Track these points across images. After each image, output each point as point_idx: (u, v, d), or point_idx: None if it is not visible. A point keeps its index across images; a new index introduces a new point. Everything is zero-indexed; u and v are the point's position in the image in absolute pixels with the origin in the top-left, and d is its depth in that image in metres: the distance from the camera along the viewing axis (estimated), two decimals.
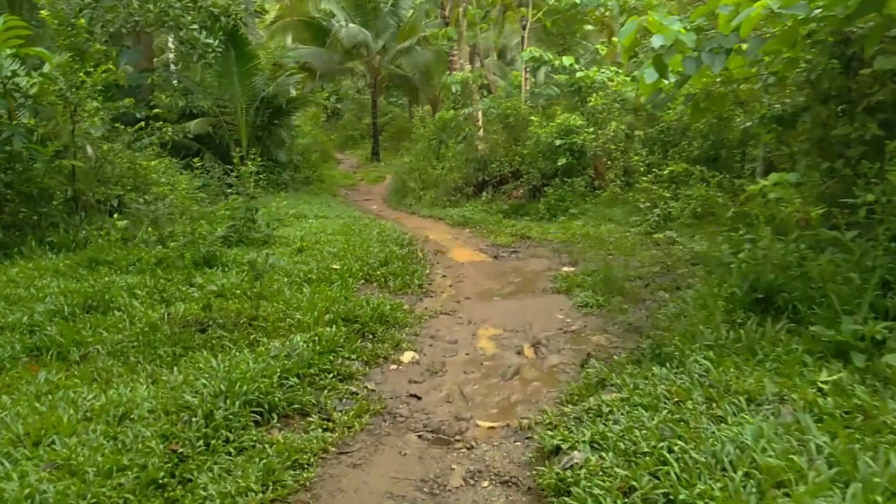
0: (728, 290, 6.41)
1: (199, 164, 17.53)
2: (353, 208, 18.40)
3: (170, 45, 19.52)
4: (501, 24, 28.74)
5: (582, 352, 6.10)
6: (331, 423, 4.60)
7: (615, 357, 5.76)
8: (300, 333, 5.94)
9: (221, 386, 4.53)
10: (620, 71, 17.22)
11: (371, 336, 6.39)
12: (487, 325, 7.14)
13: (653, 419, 4.14)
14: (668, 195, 12.67)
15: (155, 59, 18.05)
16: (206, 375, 4.74)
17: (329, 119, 41.14)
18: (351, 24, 27.07)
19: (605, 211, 13.81)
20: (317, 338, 5.78)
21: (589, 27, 21.96)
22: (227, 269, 8.70)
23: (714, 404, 4.33)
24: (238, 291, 7.07)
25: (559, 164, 14.74)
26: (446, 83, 18.25)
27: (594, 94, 16.15)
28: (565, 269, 9.82)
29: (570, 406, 4.77)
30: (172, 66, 18.01)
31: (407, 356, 6.03)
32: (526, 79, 20.65)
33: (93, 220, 10.19)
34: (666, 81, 8.12)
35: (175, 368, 5.19)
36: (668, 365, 4.99)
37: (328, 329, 5.99)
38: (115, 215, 9.88)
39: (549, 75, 25.17)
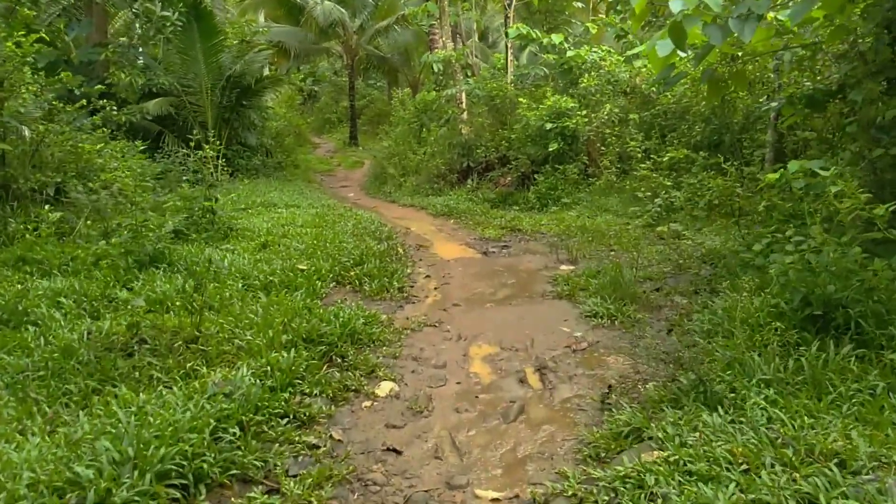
0: (770, 301, 5.30)
1: (161, 148, 16.25)
2: (328, 196, 17.11)
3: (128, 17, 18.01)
4: (484, 5, 27.43)
5: (599, 380, 4.94)
6: (280, 499, 3.39)
7: (643, 390, 4.60)
8: (250, 360, 4.72)
9: (129, 449, 3.31)
10: (613, 50, 16.06)
11: (340, 360, 5.17)
12: (481, 341, 5.95)
13: (717, 499, 3.00)
14: (668, 183, 11.54)
15: (110, 33, 16.56)
16: (111, 431, 3.51)
17: (305, 102, 39.59)
18: (326, 2, 25.59)
19: (601, 200, 12.67)
20: (269, 367, 4.57)
21: (578, 3, 20.74)
22: (174, 271, 7.45)
23: (796, 474, 3.20)
24: (179, 302, 5.81)
25: (550, 149, 13.56)
26: (427, 62, 16.98)
27: (586, 75, 14.98)
28: (564, 267, 8.66)
29: (597, 468, 3.60)
30: (130, 41, 16.53)
31: (384, 388, 4.83)
32: (510, 60, 19.46)
33: (27, 212, 8.88)
34: (682, 54, 7.02)
35: (82, 413, 3.96)
36: (719, 410, 3.85)
37: (285, 354, 4.77)
38: (48, 206, 8.54)
39: (533, 57, 23.97)
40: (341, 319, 5.73)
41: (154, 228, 8.25)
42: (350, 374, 4.94)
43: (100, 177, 10.50)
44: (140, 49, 17.52)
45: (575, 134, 13.59)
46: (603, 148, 13.77)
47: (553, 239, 10.53)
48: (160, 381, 4.48)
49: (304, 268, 7.70)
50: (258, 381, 4.32)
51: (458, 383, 5.00)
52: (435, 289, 7.86)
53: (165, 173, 15.74)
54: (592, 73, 14.82)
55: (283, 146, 22.12)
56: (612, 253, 9.26)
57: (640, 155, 12.87)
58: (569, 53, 15.31)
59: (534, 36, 15.41)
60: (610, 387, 4.70)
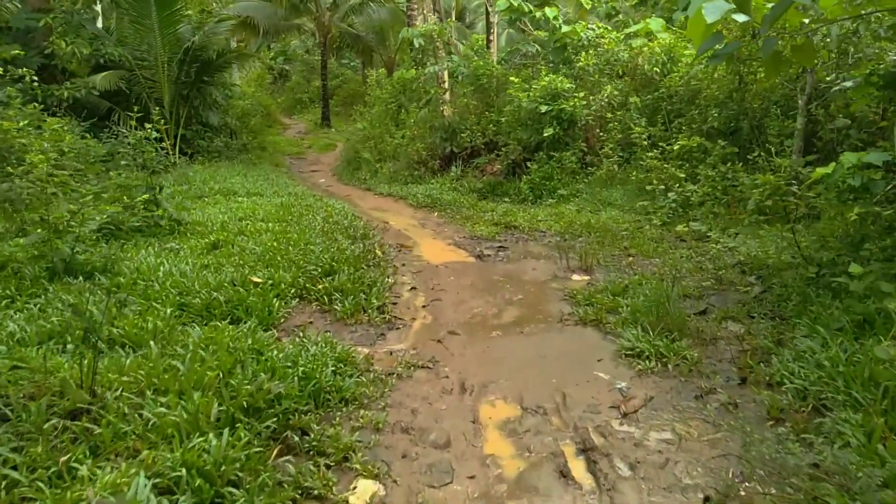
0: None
1: (110, 127, 14.33)
2: (297, 182, 15.29)
3: None
4: None
5: (674, 474, 3.34)
6: None
7: None
8: (158, 452, 3.03)
9: None
10: (610, 27, 14.42)
11: (298, 440, 3.49)
12: (493, 394, 4.32)
13: None
14: (681, 175, 10.00)
15: None
16: None
17: (276, 81, 37.44)
18: None
19: (602, 193, 11.07)
20: (185, 468, 2.88)
21: None
22: (95, 283, 5.71)
23: None
24: (70, 343, 4.08)
25: (545, 135, 11.92)
26: (406, 38, 15.18)
27: (583, 53, 13.32)
28: (576, 277, 7.06)
29: None
30: (74, 6, 14.47)
31: (362, 492, 3.17)
32: (490, 40, 17.76)
33: None
34: (741, 18, 5.44)
35: None
36: None
37: (214, 440, 3.08)
38: None
39: (512, 39, 22.27)
40: (302, 368, 4.04)
41: (74, 225, 6.49)
42: (311, 467, 3.26)
43: (27, 160, 8.66)
44: (87, 16, 15.47)
45: (572, 118, 11.95)
46: (603, 134, 12.16)
47: (555, 238, 8.92)
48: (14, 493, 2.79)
49: (260, 280, 5.99)
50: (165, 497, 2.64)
51: (471, 478, 3.35)
52: (424, 307, 6.20)
53: (112, 156, 13.83)
54: (590, 52, 13.17)
55: (250, 127, 20.21)
56: (631, 258, 7.68)
57: (645, 143, 11.29)
58: (563, 29, 13.63)
59: (525, 9, 13.69)
60: (707, 499, 3.08)
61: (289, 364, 4.05)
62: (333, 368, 4.20)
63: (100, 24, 16.20)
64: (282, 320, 5.40)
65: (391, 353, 4.93)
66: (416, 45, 14.88)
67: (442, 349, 5.07)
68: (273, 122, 28.65)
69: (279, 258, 6.73)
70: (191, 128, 16.51)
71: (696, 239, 8.43)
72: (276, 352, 4.24)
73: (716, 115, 10.56)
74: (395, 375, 4.48)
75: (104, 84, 14.01)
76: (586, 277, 7.04)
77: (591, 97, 12.38)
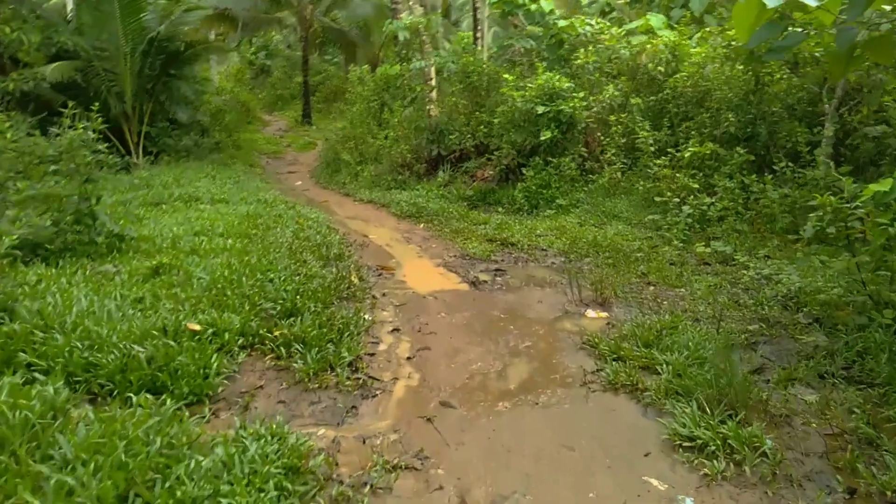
0: None
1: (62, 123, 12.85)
2: (271, 185, 13.83)
3: None
4: None
5: None
6: None
7: None
8: None
9: None
10: (610, 23, 13.12)
11: None
12: None
13: None
14: (695, 186, 8.73)
15: None
16: None
17: (257, 77, 35.78)
18: None
19: (605, 203, 9.77)
20: None
21: None
22: None
23: None
24: None
25: (542, 138, 10.59)
26: (390, 31, 13.77)
27: (581, 50, 12.01)
28: (592, 313, 5.74)
29: None
30: None
31: None
32: (477, 38, 16.43)
33: None
34: (812, 3, 4.25)
35: None
36: None
37: None
38: None
39: (497, 37, 20.94)
40: (229, 502, 2.67)
41: None
42: None
43: None
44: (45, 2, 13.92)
45: (572, 120, 10.63)
46: (605, 138, 10.85)
47: (559, 259, 7.60)
48: None
49: (199, 328, 4.60)
50: None
51: None
52: (409, 358, 4.84)
53: (61, 155, 12.30)
54: (590, 48, 11.85)
55: (223, 124, 18.70)
56: (652, 288, 6.37)
57: (651, 148, 10.00)
58: (560, 23, 12.32)
59: (519, 1, 12.34)
60: None
61: (209, 493, 2.66)
62: (278, 490, 2.83)
63: (71, 12, 14.60)
64: (220, 389, 4.01)
65: (364, 441, 3.57)
66: (401, 39, 13.47)
67: (432, 434, 3.71)
68: (252, 118, 27.14)
69: (230, 292, 5.34)
70: (156, 125, 14.98)
71: (720, 262, 7.15)
72: (194, 463, 2.85)
73: (731, 119, 9.28)
74: (368, 487, 3.12)
75: (55, 75, 12.46)
76: (604, 314, 5.72)
77: (591, 97, 11.07)
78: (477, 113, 12.48)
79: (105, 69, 13.92)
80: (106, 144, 13.09)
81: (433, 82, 13.14)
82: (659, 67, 11.27)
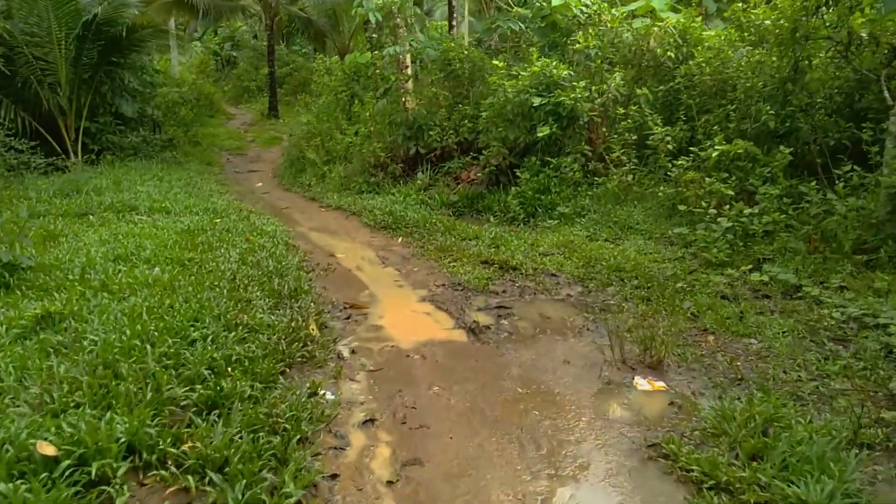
0: None
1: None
2: (228, 187, 11.90)
3: None
4: None
5: None
6: None
7: None
8: None
9: None
10: (608, 3, 11.37)
11: None
12: None
13: None
14: (730, 192, 7.07)
15: None
16: None
17: (223, 68, 33.47)
18: None
19: (616, 212, 8.06)
20: None
21: None
22: None
23: None
24: None
25: (539, 135, 8.84)
26: (360, 14, 11.87)
27: (581, 33, 10.26)
28: (643, 382, 4.02)
29: None
30: None
31: None
32: (453, 26, 14.71)
33: None
34: None
35: None
36: None
37: None
38: None
39: (474, 27, 19.17)
40: None
41: None
42: None
43: None
44: None
45: (573, 114, 8.90)
46: (611, 135, 9.14)
47: (576, 289, 5.88)
48: None
49: (54, 452, 2.79)
50: None
51: None
52: (389, 483, 3.06)
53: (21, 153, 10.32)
54: (590, 31, 10.11)
55: (179, 118, 16.66)
56: (711, 337, 4.68)
57: (669, 146, 8.33)
58: (554, 2, 10.56)
59: None
60: None
61: None
62: None
63: None
64: None
65: None
66: (373, 23, 11.59)
67: None
68: (215, 112, 25.11)
69: (126, 368, 3.53)
70: (96, 119, 12.92)
71: (782, 293, 5.49)
72: None
73: (768, 111, 7.62)
74: None
75: None
76: (660, 385, 4.01)
77: (594, 88, 9.34)
78: (460, 105, 10.70)
79: (35, 56, 11.85)
80: (32, 143, 11.13)
81: (409, 71, 11.31)
82: (668, 53, 9.58)
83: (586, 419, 3.62)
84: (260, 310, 4.83)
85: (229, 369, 3.83)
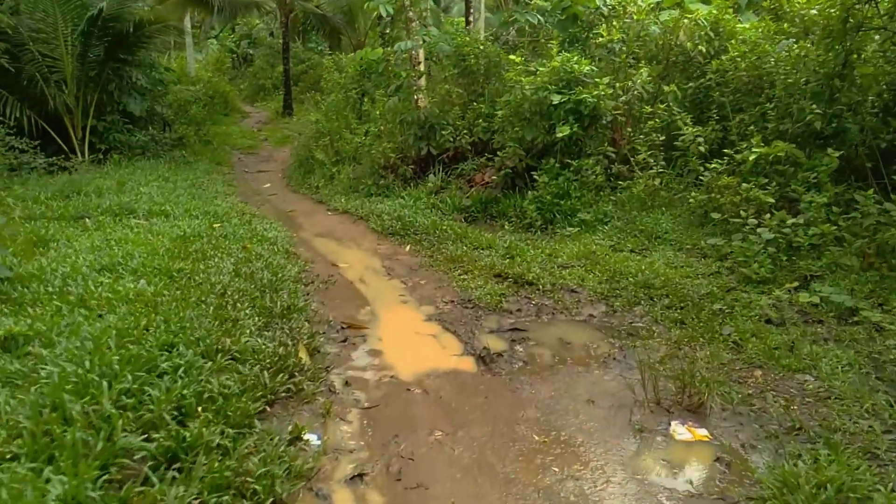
0: None
1: None
2: (235, 188, 11.36)
3: None
4: None
5: None
6: None
7: None
8: None
9: None
10: None
11: None
12: None
13: None
14: (769, 199, 6.39)
15: None
16: None
17: (239, 66, 33.06)
18: None
19: (642, 219, 7.39)
20: None
21: None
22: None
23: None
24: None
25: (558, 135, 8.20)
26: (371, 7, 11.28)
27: (604, 26, 9.60)
28: (681, 431, 3.40)
29: None
30: None
31: None
32: (469, 22, 14.16)
33: None
34: None
35: None
36: None
37: None
38: None
39: (491, 22, 18.50)
40: None
41: None
42: None
43: None
44: None
45: (595, 112, 8.24)
46: (636, 135, 8.47)
47: (599, 308, 5.25)
48: None
49: None
50: None
51: None
52: None
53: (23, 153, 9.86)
54: (614, 24, 9.44)
55: (190, 116, 16.18)
56: (758, 373, 4.03)
57: (701, 148, 7.66)
58: None
59: None
60: None
61: None
62: None
63: None
64: None
65: None
66: (385, 16, 10.99)
67: None
68: (230, 110, 24.73)
69: (76, 412, 2.97)
70: (103, 118, 12.44)
71: (835, 317, 4.82)
72: None
73: (814, 109, 6.92)
74: None
75: None
76: (701, 434, 3.38)
77: (618, 84, 8.68)
78: (475, 104, 10.07)
79: (41, 53, 11.38)
80: (35, 142, 10.64)
81: (422, 67, 10.69)
82: (699, 47, 8.89)
83: (617, 480, 3.00)
84: (247, 331, 4.27)
85: (200, 409, 3.28)
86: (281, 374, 3.79)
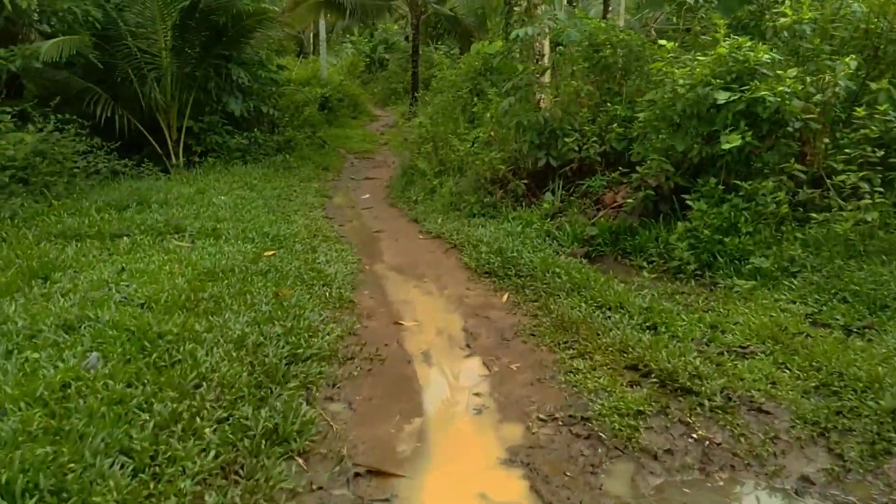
0: None
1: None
2: (324, 200, 9.61)
3: None
4: None
5: None
6: None
7: None
8: None
9: None
10: None
11: None
12: None
13: None
14: None
15: None
16: None
17: (374, 70, 32.14)
18: None
19: (854, 272, 4.72)
20: None
21: None
22: None
23: None
24: None
25: (723, 146, 5.65)
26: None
27: (787, 3, 6.84)
28: None
29: None
30: None
31: None
32: (609, 9, 11.75)
33: None
34: None
35: None
36: None
37: None
38: None
39: (630, 22, 15.76)
40: None
41: None
42: None
43: None
44: None
45: (778, 117, 5.62)
46: (836, 151, 5.74)
47: (817, 458, 2.79)
48: None
49: None
50: None
51: None
52: None
53: (86, 155, 8.67)
54: (805, 5, 6.66)
55: (303, 118, 14.83)
56: None
57: None
58: None
59: None
60: None
61: None
62: None
63: None
64: None
65: None
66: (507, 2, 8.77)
67: None
68: (359, 113, 23.77)
69: None
70: (201, 119, 11.19)
71: None
72: None
73: None
74: None
75: (52, 53, 8.74)
76: None
77: (809, 80, 5.97)
78: (609, 104, 7.65)
79: (141, 49, 10.24)
80: (114, 143, 9.37)
81: (546, 60, 8.39)
82: None
83: None
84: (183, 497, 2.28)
85: None
86: None
